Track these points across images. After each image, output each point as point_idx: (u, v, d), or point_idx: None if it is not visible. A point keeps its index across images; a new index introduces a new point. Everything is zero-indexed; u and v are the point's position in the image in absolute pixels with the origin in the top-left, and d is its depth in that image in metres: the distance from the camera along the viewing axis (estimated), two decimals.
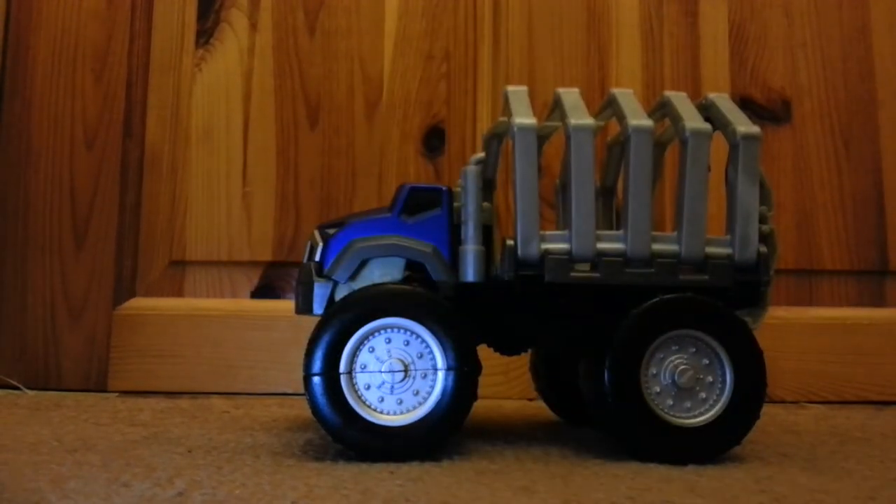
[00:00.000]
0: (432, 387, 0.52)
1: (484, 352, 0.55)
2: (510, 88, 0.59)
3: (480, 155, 0.60)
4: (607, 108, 0.60)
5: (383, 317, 0.52)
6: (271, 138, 0.88)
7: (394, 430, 0.51)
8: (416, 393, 0.52)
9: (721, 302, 0.53)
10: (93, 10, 0.89)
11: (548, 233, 0.54)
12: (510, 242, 0.54)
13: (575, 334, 0.55)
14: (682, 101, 0.57)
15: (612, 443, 0.56)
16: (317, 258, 0.56)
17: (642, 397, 0.52)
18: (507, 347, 0.59)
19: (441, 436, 0.52)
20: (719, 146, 0.55)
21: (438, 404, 0.52)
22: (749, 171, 0.54)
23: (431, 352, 0.53)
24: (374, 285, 0.54)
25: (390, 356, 0.52)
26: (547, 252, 0.53)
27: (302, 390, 0.52)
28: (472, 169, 0.56)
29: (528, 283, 0.53)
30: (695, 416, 0.53)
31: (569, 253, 0.53)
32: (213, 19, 0.90)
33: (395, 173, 0.87)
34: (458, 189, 0.57)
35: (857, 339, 0.84)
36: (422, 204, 0.57)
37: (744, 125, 0.54)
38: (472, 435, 0.60)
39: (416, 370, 0.52)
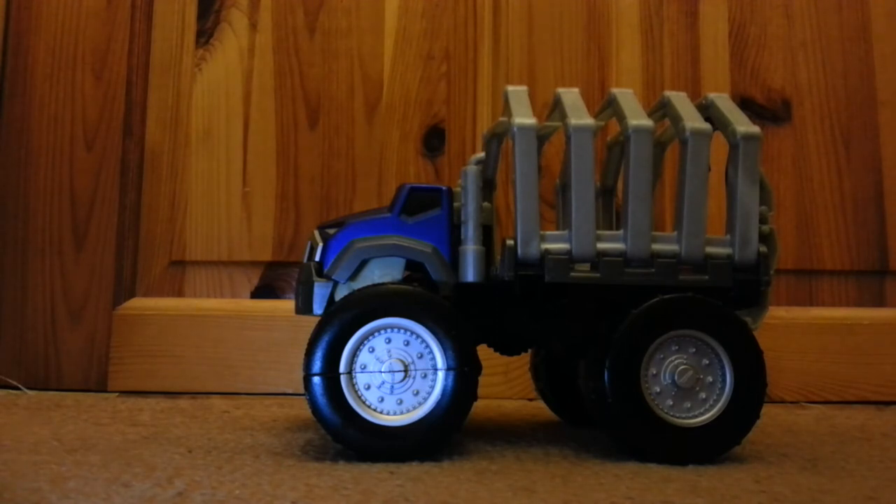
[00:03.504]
0: (432, 387, 0.52)
1: (484, 352, 0.55)
2: (510, 88, 0.59)
3: (480, 155, 0.60)
4: (607, 108, 0.60)
5: (383, 317, 0.52)
6: (271, 138, 0.88)
7: (394, 430, 0.51)
8: (416, 393, 0.52)
9: (721, 302, 0.53)
10: (93, 10, 0.89)
11: (548, 233, 0.54)
12: (510, 242, 0.54)
13: (575, 334, 0.55)
14: (682, 101, 0.57)
15: (612, 443, 0.56)
16: (317, 258, 0.56)
17: (642, 397, 0.52)
18: (507, 347, 0.59)
19: (441, 436, 0.52)
20: (719, 146, 0.55)
21: (438, 404, 0.52)
22: (749, 171, 0.54)
23: (431, 352, 0.53)
24: (374, 285, 0.54)
25: (390, 356, 0.52)
26: (547, 252, 0.53)
27: (302, 390, 0.52)
28: (472, 169, 0.56)
29: (528, 283, 0.53)
30: (695, 416, 0.53)
31: (569, 253, 0.53)
32: (213, 19, 0.90)
33: (395, 173, 0.87)
34: (458, 189, 0.57)
35: (857, 339, 0.84)
36: (422, 204, 0.57)
37: (744, 125, 0.54)
38: (472, 435, 0.60)
39: (415, 370, 0.52)
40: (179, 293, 0.87)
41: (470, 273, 0.55)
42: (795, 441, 0.61)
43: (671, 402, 0.53)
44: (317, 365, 0.51)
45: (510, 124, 0.54)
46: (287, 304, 0.79)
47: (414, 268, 0.56)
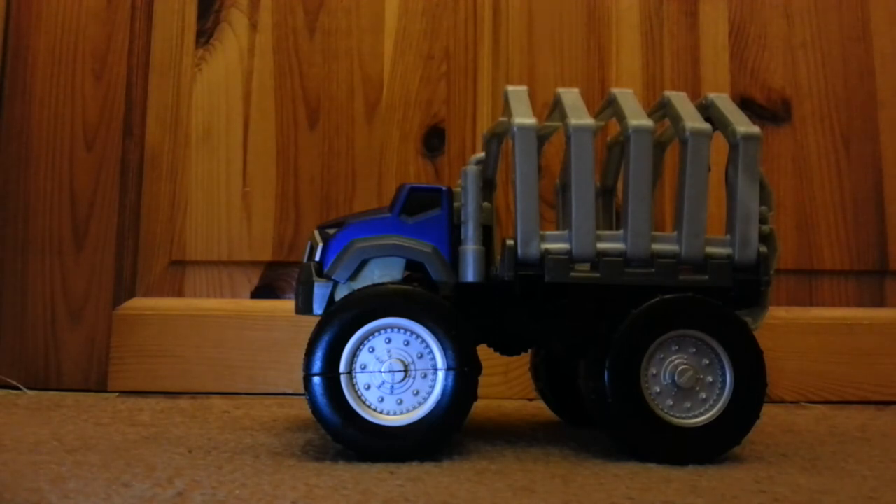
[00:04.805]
0: (432, 387, 0.52)
1: (484, 352, 0.55)
2: (510, 88, 0.59)
3: (480, 155, 0.60)
4: (607, 108, 0.60)
5: (383, 317, 0.52)
6: (271, 138, 0.88)
7: (394, 430, 0.51)
8: (416, 393, 0.52)
9: (721, 302, 0.53)
10: (93, 10, 0.89)
11: (548, 233, 0.54)
12: (510, 242, 0.54)
13: (575, 334, 0.55)
14: (682, 101, 0.57)
15: (612, 443, 0.56)
16: (317, 258, 0.56)
17: (642, 397, 0.52)
18: (507, 347, 0.59)
19: (441, 436, 0.52)
20: (719, 146, 0.55)
21: (438, 404, 0.52)
22: (749, 171, 0.54)
23: (431, 352, 0.53)
24: (374, 285, 0.54)
25: (390, 356, 0.52)
26: (547, 252, 0.53)
27: (302, 390, 0.52)
28: (472, 169, 0.56)
29: (528, 283, 0.53)
30: (695, 416, 0.53)
31: (569, 253, 0.53)
32: (213, 19, 0.90)
33: (395, 173, 0.87)
34: (458, 189, 0.57)
35: (857, 339, 0.84)
36: (422, 204, 0.57)
37: (744, 125, 0.54)
38: (472, 435, 0.60)
39: (415, 370, 0.52)
40: (179, 293, 0.87)
41: (470, 273, 0.55)
42: (795, 441, 0.61)
43: (671, 402, 0.53)
44: (317, 365, 0.52)
45: (510, 124, 0.54)
46: (287, 304, 0.79)
47: (414, 268, 0.56)
